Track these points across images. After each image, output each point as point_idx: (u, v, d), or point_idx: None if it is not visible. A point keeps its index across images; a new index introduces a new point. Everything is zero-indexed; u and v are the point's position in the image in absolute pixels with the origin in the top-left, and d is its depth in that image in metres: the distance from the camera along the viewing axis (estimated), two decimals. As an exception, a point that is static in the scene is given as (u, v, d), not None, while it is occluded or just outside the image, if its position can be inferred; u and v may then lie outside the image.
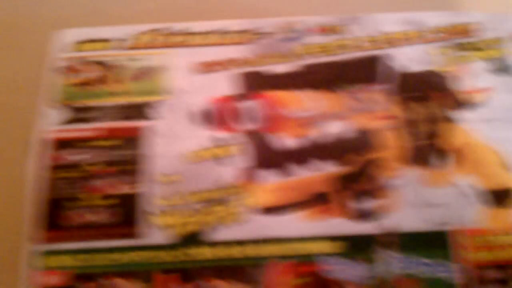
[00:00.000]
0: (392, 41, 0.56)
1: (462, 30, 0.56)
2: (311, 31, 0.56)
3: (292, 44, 0.56)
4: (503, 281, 0.47)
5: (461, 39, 0.56)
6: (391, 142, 0.51)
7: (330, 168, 0.50)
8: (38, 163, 0.50)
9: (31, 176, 0.50)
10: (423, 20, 0.57)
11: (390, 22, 0.57)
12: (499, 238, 0.49)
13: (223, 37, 0.56)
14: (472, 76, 0.54)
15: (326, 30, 0.56)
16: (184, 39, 0.56)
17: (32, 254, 0.47)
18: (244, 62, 0.55)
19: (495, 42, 0.56)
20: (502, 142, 0.51)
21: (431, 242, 0.48)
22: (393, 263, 0.48)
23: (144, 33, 0.56)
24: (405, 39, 0.56)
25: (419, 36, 0.56)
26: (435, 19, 0.57)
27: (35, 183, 0.49)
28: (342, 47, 0.55)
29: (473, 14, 0.57)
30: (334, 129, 0.52)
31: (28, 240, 0.47)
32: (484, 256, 0.48)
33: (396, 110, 0.52)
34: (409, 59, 0.55)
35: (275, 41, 0.56)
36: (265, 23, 0.57)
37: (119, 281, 0.46)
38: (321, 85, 0.54)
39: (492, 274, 0.48)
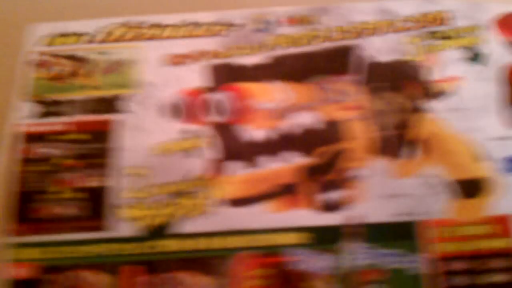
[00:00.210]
0: (362, 31, 0.55)
1: (434, 19, 0.55)
2: (281, 22, 0.55)
3: (262, 35, 0.55)
4: (469, 272, 0.47)
5: (433, 27, 0.55)
6: (359, 133, 0.50)
7: (297, 160, 0.50)
8: (9, 156, 0.50)
9: (2, 169, 0.50)
10: (394, 9, 0.56)
11: (361, 12, 0.56)
12: (465, 229, 0.48)
13: (194, 30, 0.55)
14: (443, 65, 0.53)
15: (296, 21, 0.55)
16: (155, 32, 0.55)
17: (2, 246, 0.47)
18: (215, 54, 0.54)
19: (468, 31, 0.55)
20: (471, 132, 0.51)
21: (398, 233, 0.48)
22: (359, 254, 0.47)
23: (115, 26, 0.56)
24: (376, 29, 0.55)
25: (390, 26, 0.55)
26: (407, 8, 0.56)
27: (5, 176, 0.49)
28: (312, 38, 0.55)
29: (446, 2, 0.56)
30: (303, 120, 0.51)
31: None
32: (450, 247, 0.47)
33: (365, 100, 0.51)
34: (380, 49, 0.54)
35: (245, 33, 0.55)
36: (236, 15, 0.56)
37: (85, 274, 0.46)
38: (291, 76, 0.53)
39: (458, 265, 0.47)
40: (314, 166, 0.49)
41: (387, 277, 0.46)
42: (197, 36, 0.55)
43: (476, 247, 0.47)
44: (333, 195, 0.49)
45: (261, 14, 0.56)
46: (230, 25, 0.55)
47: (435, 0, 0.56)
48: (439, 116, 0.51)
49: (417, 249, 0.47)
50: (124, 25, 0.55)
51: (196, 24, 0.55)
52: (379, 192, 0.49)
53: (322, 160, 0.49)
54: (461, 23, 0.55)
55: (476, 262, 0.47)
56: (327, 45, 0.54)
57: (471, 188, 0.49)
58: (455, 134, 0.50)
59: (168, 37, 0.55)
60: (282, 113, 0.51)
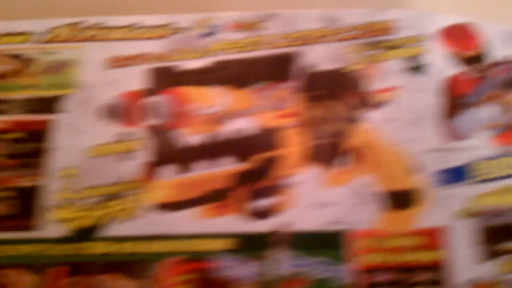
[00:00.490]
0: (306, 38, 0.54)
1: (379, 29, 0.54)
2: (227, 27, 0.55)
3: (206, 40, 0.54)
4: (393, 284, 0.46)
5: (378, 37, 0.54)
6: (295, 141, 0.50)
7: (230, 165, 0.49)
8: None
9: None
10: (340, 18, 0.55)
11: (307, 20, 0.55)
12: (393, 241, 0.47)
13: (138, 32, 0.55)
14: (384, 75, 0.52)
15: (241, 26, 0.55)
16: (99, 34, 0.55)
17: None
18: (157, 57, 0.54)
19: (412, 41, 0.54)
20: (405, 143, 0.50)
21: (325, 242, 0.47)
22: (284, 262, 0.46)
23: (60, 27, 0.55)
24: (320, 37, 0.54)
25: (335, 34, 0.54)
26: (353, 17, 0.55)
27: None
28: (256, 44, 0.54)
29: (392, 12, 0.55)
30: (238, 126, 0.50)
31: None
32: (376, 258, 0.47)
33: (301, 108, 0.51)
34: (322, 57, 0.53)
35: (189, 37, 0.54)
36: (182, 19, 0.55)
37: (11, 273, 0.46)
38: (231, 81, 0.52)
39: (383, 277, 0.46)
40: (246, 172, 0.49)
41: (311, 286, 0.45)
42: (142, 38, 0.54)
43: (403, 259, 0.47)
44: (263, 202, 0.48)
45: (208, 18, 0.55)
46: (175, 28, 0.54)
47: (381, 10, 0.55)
48: (374, 126, 0.50)
49: (343, 259, 0.46)
50: (70, 26, 0.55)
51: (142, 27, 0.54)
52: (309, 200, 0.48)
53: (254, 166, 0.48)
54: (406, 33, 0.54)
55: (402, 275, 0.46)
56: (270, 52, 0.53)
57: (401, 199, 0.48)
58: (389, 144, 0.49)
59: (114, 39, 0.54)
60: (219, 118, 0.50)
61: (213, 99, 0.51)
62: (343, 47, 0.53)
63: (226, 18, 0.55)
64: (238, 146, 0.49)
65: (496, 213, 0.47)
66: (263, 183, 0.48)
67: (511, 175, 0.48)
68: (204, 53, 0.54)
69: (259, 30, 0.54)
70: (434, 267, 0.46)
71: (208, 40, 0.54)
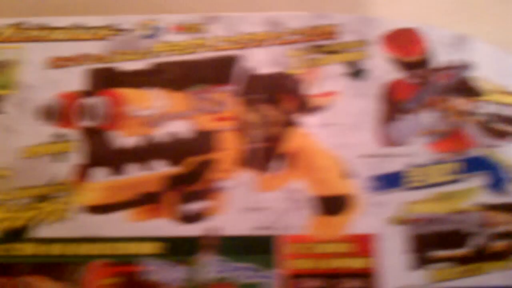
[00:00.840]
0: (248, 41, 0.53)
1: (322, 33, 0.53)
2: (169, 29, 0.53)
3: (148, 41, 0.53)
4: (321, 289, 0.45)
5: (319, 41, 0.53)
6: (229, 144, 0.48)
7: (163, 168, 0.48)
8: None
9: None
10: (284, 21, 0.54)
11: (250, 23, 0.54)
12: (324, 247, 0.46)
13: (80, 33, 0.53)
14: (323, 80, 0.51)
15: (184, 28, 0.53)
16: (41, 34, 0.53)
17: None
18: (98, 58, 0.52)
19: (354, 46, 0.52)
20: (341, 148, 0.48)
21: (255, 247, 0.46)
22: (212, 266, 0.45)
23: (3, 27, 0.54)
24: (262, 40, 0.53)
25: (277, 38, 0.53)
26: (296, 21, 0.54)
27: None
28: (198, 46, 0.53)
29: (336, 16, 0.54)
30: (174, 129, 0.49)
31: None
32: (306, 264, 0.46)
33: (238, 111, 0.49)
34: (263, 60, 0.52)
35: (132, 38, 0.53)
36: (124, 20, 0.54)
37: None
38: (170, 84, 0.51)
39: (312, 283, 0.45)
40: (179, 175, 0.47)
41: (238, 291, 0.44)
42: (83, 39, 0.53)
43: (333, 266, 0.46)
44: (194, 206, 0.47)
45: (150, 20, 0.54)
46: (118, 30, 0.53)
47: (325, 14, 0.54)
48: (311, 131, 0.49)
49: (272, 264, 0.45)
50: (13, 26, 0.54)
51: (85, 28, 0.53)
52: (241, 204, 0.47)
53: (187, 169, 0.47)
54: (348, 37, 0.52)
55: (331, 281, 0.45)
56: (212, 54, 0.52)
57: (333, 205, 0.47)
58: (323, 149, 0.48)
59: (56, 40, 0.53)
60: (155, 121, 0.49)
61: (149, 101, 0.50)
62: (285, 51, 0.52)
63: (169, 20, 0.54)
64: (172, 149, 0.48)
65: (427, 220, 0.46)
66: (195, 187, 0.47)
67: (444, 183, 0.47)
68: (145, 55, 0.52)
69: (201, 32, 0.53)
70: (364, 274, 0.45)
71: (150, 41, 0.53)
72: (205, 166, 0.47)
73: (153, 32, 0.53)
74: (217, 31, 0.53)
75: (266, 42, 0.52)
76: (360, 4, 0.57)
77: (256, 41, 0.52)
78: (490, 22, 0.59)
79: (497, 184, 0.47)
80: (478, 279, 0.45)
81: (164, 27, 0.53)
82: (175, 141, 0.48)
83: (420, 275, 0.45)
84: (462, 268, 0.45)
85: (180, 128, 0.49)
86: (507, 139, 0.48)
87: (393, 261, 0.45)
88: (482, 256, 0.45)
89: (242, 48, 0.52)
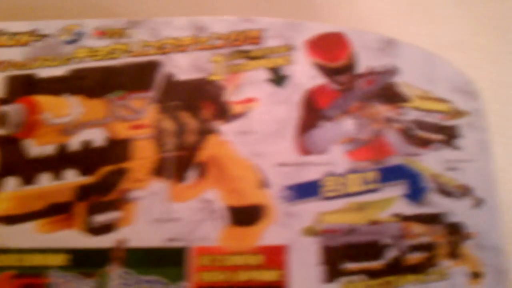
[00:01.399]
0: (172, 46, 0.50)
1: (246, 38, 0.50)
2: (92, 34, 0.51)
3: (70, 47, 0.51)
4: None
5: (244, 47, 0.50)
6: (144, 153, 0.46)
7: (74, 178, 0.46)
8: None
9: None
10: (209, 26, 0.51)
11: (174, 27, 0.51)
12: (236, 258, 0.44)
13: (1, 39, 0.51)
14: (243, 86, 0.48)
15: (106, 33, 0.51)
16: (-39, 39, 0.51)
17: None
18: (18, 64, 0.50)
19: (277, 51, 0.50)
20: (257, 157, 0.46)
21: (165, 260, 0.44)
22: (121, 279, 0.43)
23: None
24: (185, 46, 0.50)
25: (200, 43, 0.50)
26: (221, 25, 0.51)
27: None
28: (120, 52, 0.50)
29: (262, 20, 0.51)
30: (88, 137, 0.47)
31: None
32: (215, 276, 0.43)
33: (155, 119, 0.47)
34: (183, 66, 0.49)
35: (53, 44, 0.51)
36: (47, 25, 0.52)
37: None
38: (89, 90, 0.49)
39: None
40: (90, 186, 0.45)
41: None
42: (5, 45, 0.51)
43: (244, 278, 0.43)
44: (104, 217, 0.45)
45: (73, 25, 0.51)
46: (39, 35, 0.51)
47: (252, 19, 0.51)
48: (227, 139, 0.46)
49: (182, 277, 0.43)
50: None
51: (6, 33, 0.51)
52: (153, 215, 0.45)
53: (98, 179, 0.45)
54: (272, 43, 0.50)
55: (240, 293, 0.43)
56: (131, 60, 0.50)
57: (247, 215, 0.45)
58: (239, 158, 0.46)
59: (-25, 45, 0.51)
60: (70, 129, 0.47)
61: (66, 108, 0.48)
62: (207, 56, 0.49)
63: (91, 25, 0.51)
64: (85, 158, 0.46)
65: (342, 231, 0.44)
66: (107, 197, 0.45)
67: (362, 192, 0.45)
68: (66, 61, 0.50)
69: (124, 37, 0.51)
70: (275, 286, 0.43)
71: (72, 47, 0.50)
72: (117, 175, 0.45)
73: (75, 37, 0.51)
74: (140, 36, 0.51)
75: (188, 47, 0.50)
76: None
77: (180, 46, 0.50)
78: (423, 24, 0.57)
79: (415, 194, 0.44)
80: (394, 292, 0.43)
81: (87, 32, 0.51)
82: (88, 150, 0.46)
83: (333, 288, 0.42)
84: (377, 281, 0.43)
85: (95, 136, 0.46)
86: (429, 147, 0.46)
87: (305, 273, 0.43)
88: (398, 269, 0.43)
89: (165, 53, 0.50)
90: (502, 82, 0.57)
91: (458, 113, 0.46)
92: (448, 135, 0.46)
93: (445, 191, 0.44)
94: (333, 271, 0.43)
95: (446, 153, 0.45)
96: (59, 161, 0.46)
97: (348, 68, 0.48)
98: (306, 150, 0.45)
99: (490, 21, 0.62)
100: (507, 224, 0.46)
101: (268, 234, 0.43)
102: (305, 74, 0.48)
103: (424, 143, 0.46)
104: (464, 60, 0.57)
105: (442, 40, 0.59)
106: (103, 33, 0.50)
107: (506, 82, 0.57)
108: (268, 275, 0.43)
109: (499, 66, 0.59)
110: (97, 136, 0.46)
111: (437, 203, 0.44)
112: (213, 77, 0.48)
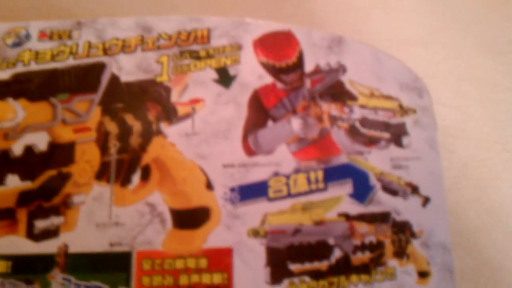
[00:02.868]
0: (114, 48, 0.48)
1: (192, 37, 0.48)
2: (34, 36, 0.48)
3: (14, 51, 0.48)
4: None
5: (189, 46, 0.48)
6: (85, 157, 0.44)
7: (16, 183, 0.43)
8: None
9: None
10: (155, 26, 0.48)
11: (119, 28, 0.48)
12: (181, 262, 0.42)
13: None
14: (189, 87, 0.46)
15: (52, 35, 0.48)
16: None
17: None
18: (-40, 68, 0.47)
19: (224, 51, 0.48)
20: (202, 159, 0.44)
21: (108, 265, 0.41)
22: (66, 286, 0.41)
23: None
24: (129, 46, 0.48)
25: (145, 43, 0.48)
26: (167, 25, 0.48)
27: None
28: (64, 54, 0.48)
29: (209, 19, 0.49)
30: (29, 142, 0.44)
31: None
32: (159, 281, 0.41)
33: (98, 122, 0.45)
34: (128, 67, 0.47)
35: (-3, 47, 0.48)
36: (-8, 28, 0.49)
37: None
38: (33, 94, 0.46)
39: None
40: (32, 191, 0.43)
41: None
42: (-51, 49, 0.48)
43: (189, 282, 0.41)
44: (46, 223, 0.42)
45: (18, 27, 0.49)
46: (-17, 38, 0.48)
47: (199, 18, 0.48)
48: (171, 141, 0.44)
49: (124, 282, 0.41)
50: None
51: (-51, 36, 0.48)
52: (95, 220, 0.42)
53: (41, 185, 0.43)
54: (219, 42, 0.48)
55: (187, 297, 0.41)
56: (74, 62, 0.47)
57: (191, 218, 0.42)
58: (183, 160, 0.44)
59: None
60: (12, 134, 0.44)
61: (8, 113, 0.45)
62: (153, 57, 0.47)
63: (36, 27, 0.49)
64: (26, 163, 0.43)
65: (288, 232, 0.42)
66: (48, 203, 0.42)
67: (308, 192, 0.43)
68: (10, 64, 0.47)
69: (69, 39, 0.48)
70: (220, 289, 0.41)
71: (16, 50, 0.48)
72: (60, 180, 0.43)
73: (20, 40, 0.48)
74: (85, 37, 0.48)
75: (136, 48, 0.47)
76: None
77: (126, 47, 0.47)
78: (384, 20, 0.55)
79: (362, 193, 0.42)
80: (340, 292, 0.41)
81: (31, 34, 0.48)
82: (30, 154, 0.43)
83: (279, 290, 0.40)
84: (323, 282, 0.41)
85: (38, 140, 0.44)
86: (375, 146, 0.44)
87: (250, 275, 0.41)
88: (344, 269, 0.41)
89: (110, 54, 0.47)
90: (463, 77, 0.56)
91: (405, 111, 0.44)
92: (395, 133, 0.44)
93: (392, 190, 0.42)
94: (279, 272, 0.41)
95: (393, 151, 0.43)
96: (1, 167, 0.43)
97: (295, 67, 0.46)
98: (252, 150, 0.43)
99: (451, 17, 0.60)
100: (453, 222, 0.44)
101: (212, 236, 0.41)
102: (253, 73, 0.46)
103: (371, 142, 0.44)
104: (425, 56, 0.55)
105: (403, 36, 0.57)
106: (48, 35, 0.48)
107: (467, 77, 0.56)
108: (213, 278, 0.41)
109: (460, 62, 0.58)
110: (40, 140, 0.44)
111: (383, 202, 0.42)
112: (159, 78, 0.46)
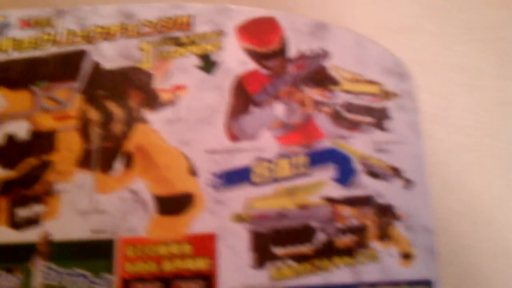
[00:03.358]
0: (96, 35, 0.47)
1: (174, 24, 0.47)
2: (16, 24, 0.48)
3: (-7, 38, 0.47)
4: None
5: (172, 33, 0.47)
6: (66, 145, 0.43)
7: (-2, 172, 0.42)
8: None
9: None
10: (136, 13, 0.48)
11: (100, 15, 0.48)
12: (165, 248, 0.41)
13: None
14: (172, 74, 0.46)
15: (32, 23, 0.48)
16: None
17: None
18: None
19: (207, 37, 0.47)
20: (185, 145, 0.43)
21: (91, 252, 0.41)
22: (46, 274, 0.40)
23: None
24: (111, 34, 0.47)
25: (127, 31, 0.47)
26: (149, 12, 0.48)
27: None
28: (44, 42, 0.47)
29: (191, 6, 0.48)
30: (9, 130, 0.44)
31: None
32: (143, 267, 0.41)
33: (79, 109, 0.44)
34: (110, 55, 0.46)
35: (-24, 35, 0.47)
36: (-30, 16, 0.48)
37: None
38: (12, 82, 0.45)
39: (147, 286, 0.40)
40: (13, 179, 0.42)
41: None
42: None
43: (173, 268, 0.41)
44: (27, 211, 0.42)
45: (-3, 15, 0.48)
46: (-38, 26, 0.47)
47: (180, 4, 0.48)
48: (155, 127, 0.44)
49: (109, 269, 0.40)
50: None
51: None
52: (77, 208, 0.42)
53: (22, 172, 0.42)
54: (202, 29, 0.47)
55: (174, 284, 0.40)
56: (55, 50, 0.46)
57: (176, 204, 0.42)
58: (166, 147, 0.43)
59: None
60: (-7, 122, 0.43)
61: (-11, 101, 0.44)
62: (135, 44, 0.46)
63: (15, 15, 0.48)
64: (7, 152, 0.43)
65: (273, 216, 0.42)
66: (29, 191, 0.42)
67: (292, 177, 0.42)
68: (-10, 53, 0.46)
69: (49, 27, 0.47)
70: (204, 275, 0.40)
71: (-5, 38, 0.47)
72: (41, 168, 0.42)
73: (-1, 28, 0.47)
74: (66, 25, 0.47)
75: (114, 35, 0.47)
76: None
77: (107, 35, 0.47)
78: (367, 8, 0.55)
79: (345, 177, 0.42)
80: (325, 276, 0.41)
81: (11, 23, 0.47)
82: (10, 142, 0.43)
83: (264, 274, 0.40)
84: (307, 265, 0.41)
85: (18, 128, 0.43)
86: (358, 130, 0.44)
87: (235, 260, 0.40)
88: (328, 252, 0.41)
89: (92, 42, 0.47)
90: (446, 64, 0.56)
91: (387, 95, 0.44)
92: (378, 117, 0.44)
93: (375, 173, 0.42)
94: (263, 256, 0.41)
95: (376, 135, 0.43)
96: (-19, 155, 0.42)
97: (278, 53, 0.46)
98: (235, 136, 0.43)
99: (434, 5, 0.60)
100: (437, 207, 0.45)
101: (196, 222, 0.41)
102: (236, 60, 0.45)
103: (354, 126, 0.44)
104: (409, 43, 0.55)
105: (387, 23, 0.57)
106: (28, 24, 0.47)
107: (450, 65, 0.56)
108: (197, 264, 0.40)
109: (444, 49, 0.58)
110: (20, 129, 0.43)
111: (366, 185, 0.42)
112: (141, 65, 0.45)
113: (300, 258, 0.40)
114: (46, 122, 0.42)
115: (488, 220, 0.47)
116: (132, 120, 0.42)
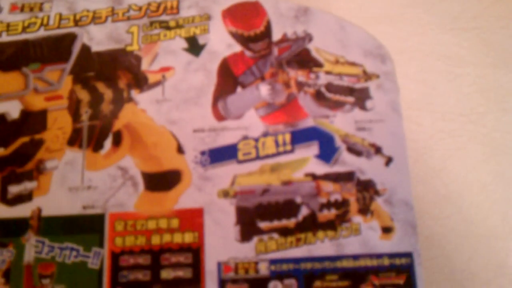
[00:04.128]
0: (84, 19, 0.48)
1: (160, 8, 0.49)
2: (8, 8, 0.49)
3: (-15, 22, 0.48)
4: (147, 267, 0.42)
5: (158, 17, 0.49)
6: (57, 124, 0.44)
7: (-11, 151, 0.44)
8: None
9: None
10: (125, -3, 0.49)
11: (89, 0, 0.49)
12: (152, 223, 0.43)
13: None
14: (160, 56, 0.47)
15: (19, 7, 0.49)
16: None
17: None
18: None
19: (193, 21, 0.49)
20: (172, 124, 0.45)
21: (82, 227, 0.42)
22: (38, 248, 0.42)
23: None
24: (98, 17, 0.48)
25: (114, 14, 0.49)
26: (137, -4, 0.49)
27: None
28: (35, 26, 0.48)
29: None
30: (1, 109, 0.45)
31: None
32: (131, 241, 0.42)
33: (70, 90, 0.45)
34: (100, 37, 0.47)
35: (-32, 19, 0.48)
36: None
37: None
38: (3, 64, 0.46)
39: (136, 259, 0.42)
40: (5, 157, 0.43)
41: (62, 271, 0.41)
42: None
43: (161, 242, 0.42)
44: (19, 188, 0.43)
45: (-12, 0, 0.49)
46: (-46, 11, 0.48)
47: (168, -11, 0.49)
48: (143, 107, 0.45)
49: (99, 243, 0.42)
50: None
51: None
52: (67, 184, 0.43)
53: (14, 151, 0.43)
54: (188, 13, 0.49)
55: (163, 257, 0.42)
56: (45, 33, 0.48)
57: (163, 181, 0.43)
58: (154, 126, 0.45)
59: None
60: (-15, 102, 0.45)
61: (-20, 82, 0.45)
62: (124, 27, 0.48)
63: (7, 0, 0.49)
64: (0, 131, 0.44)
65: (258, 192, 0.43)
66: (21, 168, 0.43)
67: (276, 154, 0.44)
68: (-18, 36, 0.48)
69: (41, 10, 0.49)
70: (191, 248, 0.42)
71: (-12, 22, 0.48)
72: (33, 146, 0.43)
73: (-9, 12, 0.49)
74: (57, 9, 0.49)
75: (102, 18, 0.48)
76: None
77: (97, 18, 0.48)
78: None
79: (327, 154, 0.44)
80: (308, 248, 0.42)
81: (2, 7, 0.49)
82: (3, 122, 0.44)
83: (250, 247, 0.42)
84: (291, 238, 0.43)
85: (10, 108, 0.45)
86: (340, 109, 0.45)
87: (221, 233, 0.42)
88: (312, 225, 0.43)
89: (82, 25, 0.48)
90: (428, 52, 0.57)
91: (368, 76, 0.46)
92: (359, 97, 0.46)
93: (356, 151, 0.44)
94: (248, 230, 0.42)
95: (357, 114, 0.45)
96: (-27, 135, 0.44)
97: (263, 36, 0.47)
98: (222, 115, 0.44)
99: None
100: (420, 191, 0.46)
101: (184, 198, 0.42)
102: (222, 42, 0.47)
103: (336, 105, 0.45)
104: (392, 32, 0.57)
105: (371, 13, 0.59)
106: (19, 8, 0.48)
107: (432, 53, 0.57)
108: (184, 238, 0.42)
109: (426, 38, 0.59)
110: (12, 109, 0.44)
111: (348, 162, 0.44)
112: (130, 48, 0.47)
113: (284, 232, 0.41)
114: (38, 102, 0.43)
115: (472, 203, 0.48)
116: (120, 100, 0.44)
